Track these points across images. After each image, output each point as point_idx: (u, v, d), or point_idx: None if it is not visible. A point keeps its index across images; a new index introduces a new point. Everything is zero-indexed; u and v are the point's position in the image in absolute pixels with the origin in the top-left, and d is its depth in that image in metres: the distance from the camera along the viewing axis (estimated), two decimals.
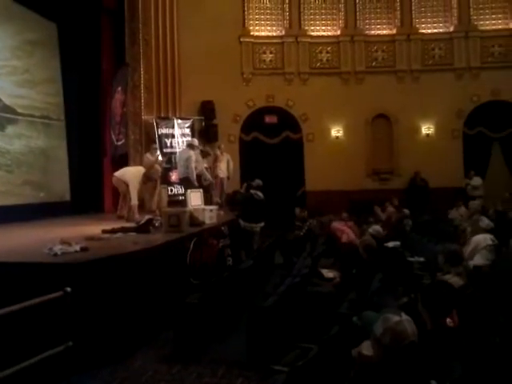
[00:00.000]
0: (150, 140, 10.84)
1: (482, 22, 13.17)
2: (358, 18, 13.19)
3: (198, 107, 12.27)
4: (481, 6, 13.18)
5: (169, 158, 10.70)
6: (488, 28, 13.15)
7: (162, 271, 5.17)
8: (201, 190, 8.18)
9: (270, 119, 12.99)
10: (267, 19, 13.14)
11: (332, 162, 12.53)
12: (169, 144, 11.04)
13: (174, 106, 11.78)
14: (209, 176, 9.36)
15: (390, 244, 6.65)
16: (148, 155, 9.22)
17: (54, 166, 9.34)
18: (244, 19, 12.97)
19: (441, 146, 12.81)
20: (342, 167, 12.51)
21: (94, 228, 6.59)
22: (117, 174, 8.01)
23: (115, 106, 10.33)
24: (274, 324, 4.04)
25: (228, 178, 10.79)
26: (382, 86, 12.83)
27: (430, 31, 13.27)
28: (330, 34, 13.19)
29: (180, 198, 9.63)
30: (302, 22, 13.10)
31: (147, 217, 6.62)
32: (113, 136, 10.30)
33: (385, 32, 13.26)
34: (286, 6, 13.07)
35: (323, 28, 13.22)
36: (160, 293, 5.01)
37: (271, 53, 13.07)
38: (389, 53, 13.20)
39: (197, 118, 12.00)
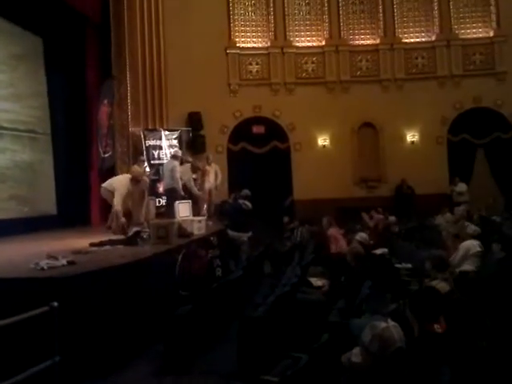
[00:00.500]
0: (137, 152, 10.83)
1: (462, 31, 13.47)
2: (342, 28, 13.40)
3: (185, 118, 12.29)
4: (461, 15, 13.49)
5: (156, 169, 10.69)
6: (469, 37, 13.45)
7: (150, 284, 5.14)
8: (189, 201, 8.15)
9: (257, 129, 13.07)
10: (253, 31, 13.28)
11: (320, 171, 12.61)
12: (156, 156, 11.03)
13: (161, 117, 11.79)
14: (195, 189, 9.22)
15: (378, 251, 6.70)
16: (136, 167, 9.18)
17: (40, 180, 9.25)
18: (230, 31, 13.09)
19: (426, 153, 12.98)
20: (329, 176, 12.60)
21: (81, 241, 6.52)
22: (104, 184, 7.95)
23: (102, 118, 10.31)
24: (264, 334, 4.04)
25: (216, 188, 10.78)
26: (366, 95, 13.01)
27: (412, 40, 13.53)
28: (314, 44, 13.37)
29: (163, 209, 9.55)
30: (287, 33, 13.26)
31: (135, 229, 6.57)
32: (100, 148, 10.26)
33: (368, 42, 13.48)
34: (271, 18, 13.24)
35: (308, 39, 13.39)
36: (149, 305, 4.97)
37: (257, 64, 13.18)
38: (373, 62, 13.41)
39: (184, 129, 12.01)
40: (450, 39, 13.35)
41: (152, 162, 10.76)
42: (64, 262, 4.58)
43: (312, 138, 13.17)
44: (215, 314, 4.91)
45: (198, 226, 7.48)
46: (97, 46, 10.84)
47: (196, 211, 8.61)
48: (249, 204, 8.91)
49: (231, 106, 12.86)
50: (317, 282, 5.56)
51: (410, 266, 6.09)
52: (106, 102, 10.31)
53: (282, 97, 13.14)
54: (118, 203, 7.26)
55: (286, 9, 13.22)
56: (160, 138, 11.16)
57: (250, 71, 13.17)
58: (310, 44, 13.38)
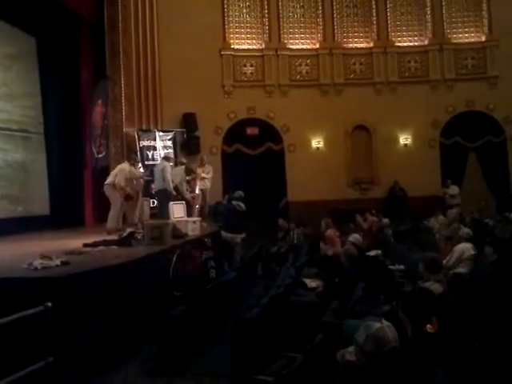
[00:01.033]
0: (131, 152, 10.77)
1: (455, 36, 13.60)
2: (336, 31, 13.47)
3: (179, 119, 12.28)
4: (454, 19, 13.62)
5: (151, 170, 10.62)
6: (461, 41, 13.58)
7: (144, 284, 5.13)
8: (183, 202, 8.12)
9: (251, 131, 13.08)
10: (247, 33, 13.31)
11: (314, 173, 12.65)
12: (150, 156, 11.00)
13: (155, 118, 11.77)
14: (186, 193, 9.15)
15: (372, 253, 6.74)
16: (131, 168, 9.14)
17: (33, 180, 9.20)
18: (224, 32, 13.10)
19: (418, 155, 13.07)
20: (323, 177, 12.64)
21: (74, 242, 6.50)
22: (106, 181, 7.93)
23: (96, 118, 10.27)
24: (258, 335, 4.04)
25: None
26: (360, 98, 13.08)
27: (405, 44, 13.62)
28: (309, 47, 13.42)
29: (156, 210, 9.49)
30: (282, 36, 13.31)
31: (129, 230, 6.56)
32: (93, 149, 10.22)
33: (362, 45, 13.56)
34: (266, 20, 13.27)
35: (302, 41, 13.44)
36: (143, 306, 4.96)
37: (252, 65, 13.21)
38: (366, 65, 13.49)
39: (178, 130, 12.00)
40: (443, 43, 13.47)
41: (146, 162, 10.72)
42: (58, 262, 4.56)
43: (306, 140, 13.22)
44: (209, 315, 4.91)
45: (193, 227, 7.47)
46: (91, 46, 10.81)
47: (188, 214, 8.58)
48: (242, 205, 8.90)
49: (225, 108, 12.87)
50: (311, 283, 5.59)
51: (403, 267, 6.14)
52: (100, 102, 10.28)
53: (276, 99, 13.17)
54: (120, 180, 7.49)
55: (280, 11, 13.27)
56: (154, 139, 11.14)
57: (245, 73, 13.19)
58: (304, 46, 13.43)
